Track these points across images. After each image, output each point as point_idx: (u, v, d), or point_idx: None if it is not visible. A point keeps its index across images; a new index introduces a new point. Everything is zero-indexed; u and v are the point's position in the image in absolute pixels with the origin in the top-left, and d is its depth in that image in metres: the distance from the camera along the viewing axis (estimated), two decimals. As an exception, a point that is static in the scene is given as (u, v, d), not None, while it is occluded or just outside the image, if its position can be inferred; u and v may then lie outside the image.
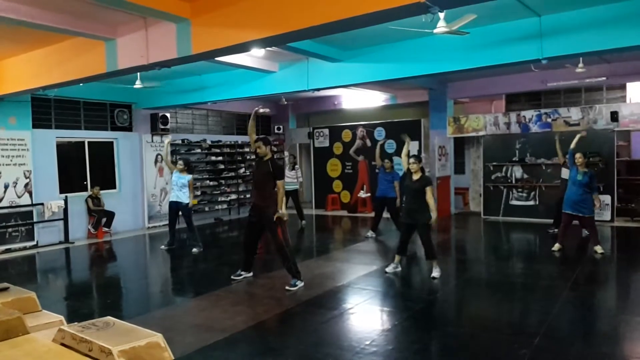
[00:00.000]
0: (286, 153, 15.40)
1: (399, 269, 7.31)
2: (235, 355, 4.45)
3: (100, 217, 11.06)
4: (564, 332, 4.97)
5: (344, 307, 5.86)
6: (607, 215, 10.80)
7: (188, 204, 9.36)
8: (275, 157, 6.90)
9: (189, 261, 8.79)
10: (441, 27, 6.01)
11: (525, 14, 6.89)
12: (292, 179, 11.74)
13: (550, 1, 6.54)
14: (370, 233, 10.30)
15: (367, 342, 4.66)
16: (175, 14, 5.83)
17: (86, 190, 11.33)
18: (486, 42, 7.34)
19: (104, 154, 11.86)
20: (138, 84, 9.51)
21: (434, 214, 6.86)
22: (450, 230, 11.54)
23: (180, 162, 9.63)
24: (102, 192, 11.36)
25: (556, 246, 8.41)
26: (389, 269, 7.28)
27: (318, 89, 9.67)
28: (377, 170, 10.60)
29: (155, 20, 6.32)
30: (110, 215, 11.27)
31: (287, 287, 6.50)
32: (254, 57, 9.14)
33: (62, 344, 2.97)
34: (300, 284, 6.57)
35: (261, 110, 6.89)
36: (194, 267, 8.48)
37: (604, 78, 10.87)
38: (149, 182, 12.45)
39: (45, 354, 2.82)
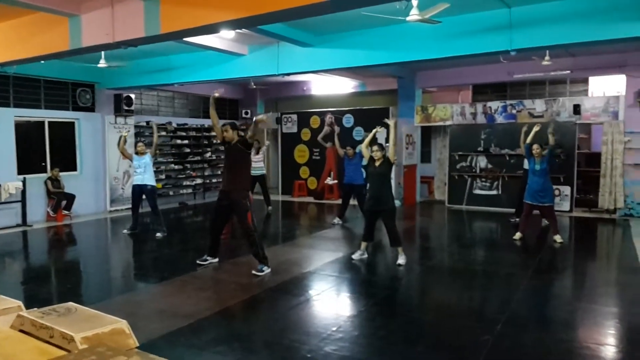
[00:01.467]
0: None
1: (365, 255, 7.35)
2: (201, 341, 4.39)
3: (60, 199, 10.74)
4: (525, 319, 5.09)
5: (310, 294, 5.86)
6: (566, 206, 11.11)
7: (153, 186, 9.17)
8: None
9: (152, 246, 8.64)
10: (414, 15, 6.01)
11: (496, 5, 6.95)
12: (258, 163, 11.67)
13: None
14: (336, 220, 10.32)
15: (334, 329, 4.68)
16: (142, -9, 5.66)
17: (45, 171, 10.98)
18: (457, 31, 7.39)
19: (64, 134, 11.49)
20: (102, 63, 9.20)
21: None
22: (415, 218, 11.69)
23: (140, 143, 9.36)
24: (62, 174, 11.03)
25: (517, 235, 8.61)
26: (355, 256, 7.31)
27: (288, 74, 9.57)
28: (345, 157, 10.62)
29: (121, -4, 6.12)
30: (71, 198, 10.96)
31: (254, 272, 6.46)
32: (223, 39, 8.97)
33: (21, 331, 2.86)
34: (267, 269, 6.53)
35: (217, 94, 6.70)
36: (157, 252, 8.34)
37: (568, 71, 11.11)
38: (112, 165, 12.14)
39: (3, 340, 2.71)
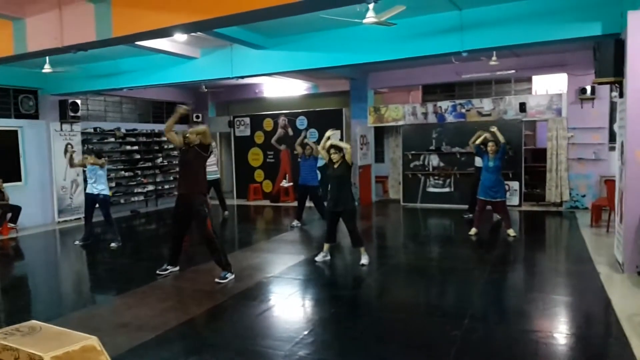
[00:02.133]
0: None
1: (329, 257, 7.36)
2: (171, 353, 4.27)
3: (5, 211, 10.20)
4: (489, 312, 5.25)
5: (277, 298, 5.81)
6: (515, 201, 11.52)
7: (107, 195, 8.86)
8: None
9: (107, 257, 8.33)
10: (370, 17, 6.06)
11: (447, 7, 7.13)
12: (212, 166, 11.53)
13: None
14: (295, 222, 10.30)
15: (305, 332, 4.65)
16: (93, -6, 5.47)
17: (-13, 183, 10.40)
18: (410, 33, 7.52)
19: (7, 143, 10.92)
20: (47, 69, 8.83)
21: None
22: (372, 218, 11.82)
23: (90, 155, 8.99)
24: (5, 184, 10.47)
25: (472, 230, 8.86)
26: (319, 258, 7.31)
27: (243, 77, 9.47)
28: (298, 159, 10.63)
29: (69, -1, 5.88)
30: (16, 210, 10.44)
31: (217, 280, 6.34)
32: (175, 42, 8.78)
33: (-18, 353, 2.69)
34: (230, 276, 6.43)
35: (183, 110, 6.52)
36: (113, 262, 8.04)
37: (513, 71, 11.54)
38: (59, 174, 11.64)
39: (-35, 365, 2.54)
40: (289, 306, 5.54)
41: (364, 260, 7.04)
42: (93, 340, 2.99)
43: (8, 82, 10.76)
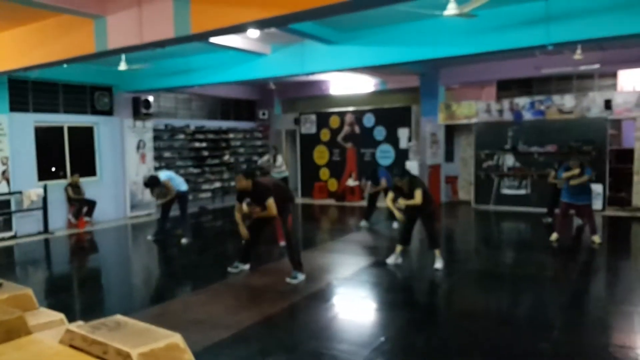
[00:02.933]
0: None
1: (400, 260, 7.09)
2: (247, 352, 4.17)
3: (81, 206, 10.58)
4: (579, 324, 4.84)
5: (349, 301, 5.63)
6: (598, 205, 10.77)
7: (186, 191, 8.97)
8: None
9: (178, 253, 8.43)
10: (452, 9, 5.76)
11: (533, -3, 6.68)
12: (280, 168, 11.70)
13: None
14: (364, 222, 10.07)
15: (382, 339, 4.44)
16: (172, -11, 5.45)
17: (65, 177, 10.82)
18: (491, 26, 7.10)
19: (83, 139, 11.32)
20: (123, 66, 9.03)
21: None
22: (442, 220, 11.41)
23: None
24: (82, 179, 10.87)
25: (554, 236, 8.32)
26: (390, 260, 7.06)
27: (313, 73, 9.32)
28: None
29: (148, -4, 5.91)
30: (92, 204, 10.80)
31: (287, 280, 6.23)
32: (246, 39, 8.74)
33: (71, 346, 2.64)
34: (301, 276, 6.30)
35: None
36: (185, 258, 8.12)
37: (598, 65, 10.79)
38: (131, 170, 11.95)
39: (54, 356, 2.49)
40: (362, 310, 5.34)
41: (438, 264, 6.72)
42: (177, 338, 2.90)
43: (85, 80, 11.13)
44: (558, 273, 6.72)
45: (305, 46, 8.86)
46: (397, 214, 7.09)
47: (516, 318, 5.15)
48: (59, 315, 3.10)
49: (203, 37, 6.04)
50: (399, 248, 7.09)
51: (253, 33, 8.11)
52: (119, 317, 3.23)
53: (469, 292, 6.19)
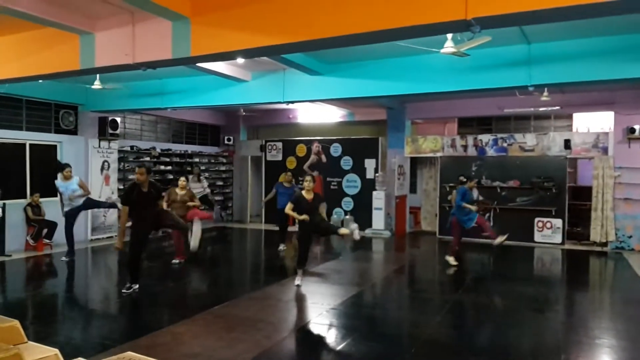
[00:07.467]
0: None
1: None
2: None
3: (41, 227, 10.04)
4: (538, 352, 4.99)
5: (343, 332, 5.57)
6: (558, 239, 11.27)
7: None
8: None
9: (147, 279, 8.09)
10: (449, 47, 5.98)
11: (516, 40, 7.02)
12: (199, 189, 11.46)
13: (540, 29, 6.70)
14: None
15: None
16: (174, 11, 5.37)
17: (25, 197, 10.26)
18: (475, 65, 7.39)
19: (46, 157, 10.82)
20: (97, 85, 8.79)
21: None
22: (405, 249, 11.56)
23: (68, 169, 9.13)
24: (42, 200, 10.34)
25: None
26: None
27: (294, 102, 9.37)
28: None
29: (144, 16, 5.83)
30: (52, 226, 10.26)
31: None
32: (229, 65, 8.70)
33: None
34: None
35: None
36: (161, 285, 7.80)
37: (558, 107, 11.42)
38: (95, 191, 11.45)
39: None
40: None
41: (298, 281, 7.31)
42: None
43: (50, 97, 10.70)
44: (515, 304, 6.92)
45: (287, 75, 8.92)
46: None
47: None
48: (54, 351, 2.92)
49: (202, 59, 6.00)
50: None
51: (240, 59, 8.09)
52: (131, 354, 3.06)
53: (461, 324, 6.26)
